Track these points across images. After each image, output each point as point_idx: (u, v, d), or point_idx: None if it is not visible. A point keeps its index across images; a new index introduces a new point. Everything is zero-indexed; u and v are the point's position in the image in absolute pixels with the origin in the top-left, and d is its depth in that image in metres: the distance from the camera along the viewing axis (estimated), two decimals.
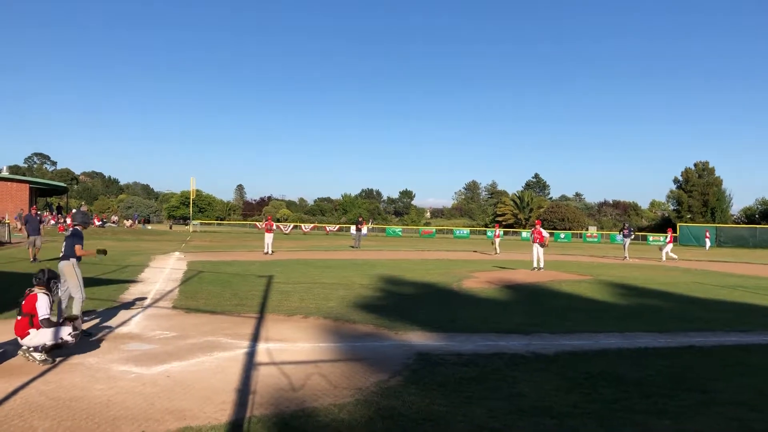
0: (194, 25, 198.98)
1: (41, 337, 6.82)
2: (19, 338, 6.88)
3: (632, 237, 32.51)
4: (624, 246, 32.00)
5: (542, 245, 22.09)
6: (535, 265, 21.87)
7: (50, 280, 7.32)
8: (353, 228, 48.16)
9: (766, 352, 8.58)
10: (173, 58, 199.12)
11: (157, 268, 19.22)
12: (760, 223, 77.17)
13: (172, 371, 6.59)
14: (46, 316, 6.95)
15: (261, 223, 29.37)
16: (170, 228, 74.77)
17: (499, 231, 37.43)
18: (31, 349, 6.80)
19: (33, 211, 23.56)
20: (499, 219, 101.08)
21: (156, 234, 54.24)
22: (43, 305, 6.98)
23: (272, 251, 28.15)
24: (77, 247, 8.74)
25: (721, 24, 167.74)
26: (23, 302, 7.03)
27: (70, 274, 8.64)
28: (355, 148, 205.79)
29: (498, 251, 33.87)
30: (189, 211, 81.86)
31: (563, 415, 5.34)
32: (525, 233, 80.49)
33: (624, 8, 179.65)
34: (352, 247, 37.03)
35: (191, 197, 78.50)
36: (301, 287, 14.54)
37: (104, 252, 9.49)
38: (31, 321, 6.88)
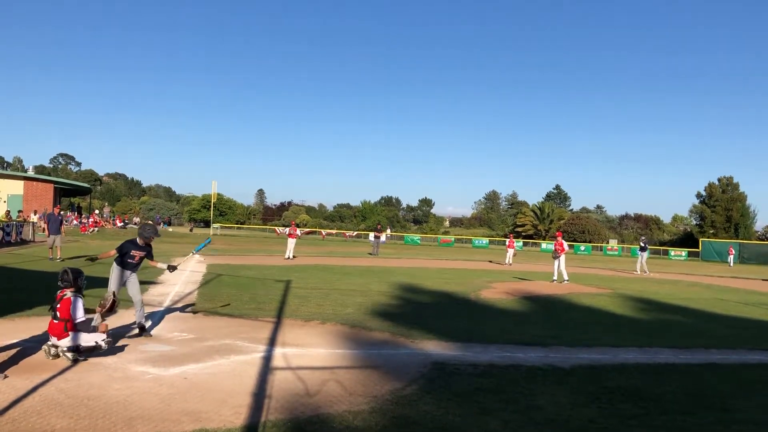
0: (218, 29, 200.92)
1: (78, 340, 6.93)
2: (55, 338, 6.97)
3: (647, 252, 32.01)
4: (639, 260, 31.38)
5: (556, 256, 21.73)
6: (555, 277, 21.53)
7: (77, 279, 7.39)
8: (372, 235, 48.14)
9: None
10: (198, 61, 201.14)
11: (177, 270, 19.32)
12: None
13: (189, 373, 6.63)
14: (83, 319, 7.04)
15: (283, 228, 29.85)
16: (191, 231, 75.28)
17: (515, 243, 36.95)
18: (65, 349, 6.89)
19: (56, 211, 23.88)
20: (519, 230, 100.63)
21: (176, 236, 54.68)
22: (79, 309, 7.06)
23: (293, 256, 28.24)
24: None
25: (745, 37, 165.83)
26: (58, 306, 7.06)
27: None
28: (376, 154, 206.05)
29: (510, 262, 33.45)
30: (210, 214, 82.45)
31: (580, 429, 5.29)
32: (545, 244, 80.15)
33: (648, 20, 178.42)
34: (371, 254, 37.02)
35: (212, 200, 79.05)
36: (318, 293, 14.57)
37: (94, 259, 9.51)
38: (66, 326, 6.93)
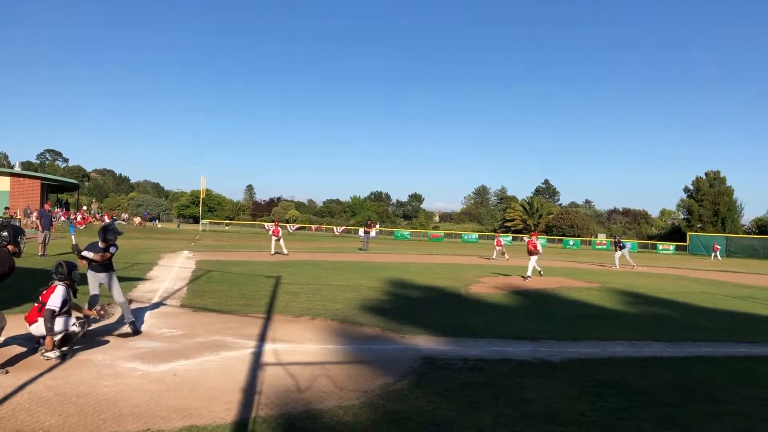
0: (208, 26, 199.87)
1: (41, 330, 6.90)
2: (27, 324, 6.97)
3: (627, 248, 32.04)
4: (616, 257, 31.49)
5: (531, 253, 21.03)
6: (529, 273, 20.65)
7: (71, 272, 7.41)
8: (361, 230, 48.13)
9: None
10: (185, 58, 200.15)
11: (166, 266, 19.28)
12: None
13: (179, 369, 6.61)
14: (54, 307, 6.95)
15: (270, 224, 29.63)
16: (178, 227, 74.93)
17: (502, 241, 37.37)
18: (43, 349, 6.88)
19: (47, 207, 23.86)
20: (508, 224, 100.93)
21: (165, 232, 54.45)
22: (57, 297, 7.03)
23: (287, 252, 28.29)
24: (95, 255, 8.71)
25: (732, 33, 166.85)
26: (44, 292, 7.11)
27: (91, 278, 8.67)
28: (365, 150, 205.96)
29: (497, 257, 33.87)
30: (199, 210, 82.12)
31: (570, 422, 5.31)
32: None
33: (636, 17, 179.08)
34: (361, 249, 37.05)
35: (201, 196, 78.77)
36: (308, 288, 14.55)
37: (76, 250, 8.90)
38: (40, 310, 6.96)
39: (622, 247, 31.57)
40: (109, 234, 8.68)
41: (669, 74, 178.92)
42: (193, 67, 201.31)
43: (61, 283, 7.25)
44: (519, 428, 5.12)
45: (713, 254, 53.52)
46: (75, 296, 7.59)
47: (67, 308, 7.20)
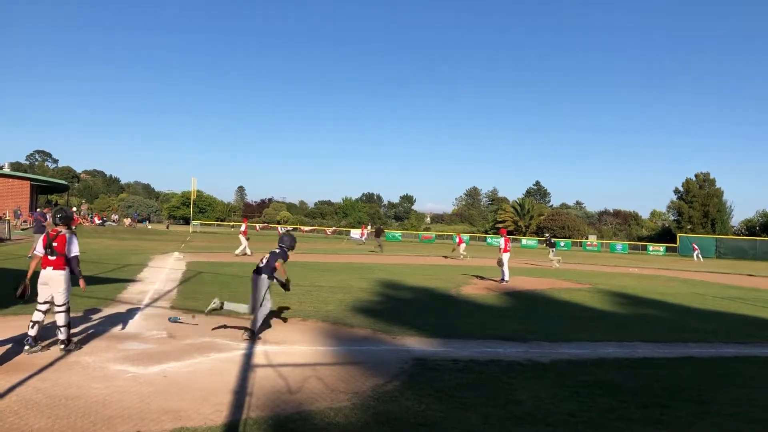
0: (197, 26, 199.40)
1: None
2: (42, 269, 7.32)
3: (552, 246, 32.19)
4: (553, 257, 31.40)
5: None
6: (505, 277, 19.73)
7: (69, 219, 7.74)
8: (353, 232, 48.20)
9: (763, 364, 8.58)
10: (176, 58, 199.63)
11: (156, 267, 19.21)
12: (760, 236, 77.22)
13: (169, 371, 6.59)
14: (77, 254, 7.50)
15: (243, 226, 28.37)
16: (167, 228, 74.65)
17: (464, 238, 38.17)
18: (29, 347, 7.06)
19: (46, 211, 23.75)
20: (499, 225, 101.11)
21: (156, 234, 54.22)
22: (74, 245, 7.50)
23: (250, 252, 26.98)
24: (278, 264, 8.89)
25: (723, 36, 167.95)
26: (54, 243, 7.34)
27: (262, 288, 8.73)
28: (357, 151, 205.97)
29: (463, 256, 34.37)
30: (189, 211, 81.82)
31: (559, 423, 5.34)
32: (525, 240, 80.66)
33: (627, 18, 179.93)
34: (373, 251, 37.58)
35: (192, 198, 78.47)
36: (299, 290, 14.51)
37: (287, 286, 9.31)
38: (64, 261, 7.39)
39: (552, 245, 31.82)
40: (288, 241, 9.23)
41: (660, 77, 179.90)
42: (184, 67, 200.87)
43: (65, 229, 7.53)
44: (509, 428, 5.13)
45: (694, 254, 54.22)
46: None
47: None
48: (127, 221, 76.78)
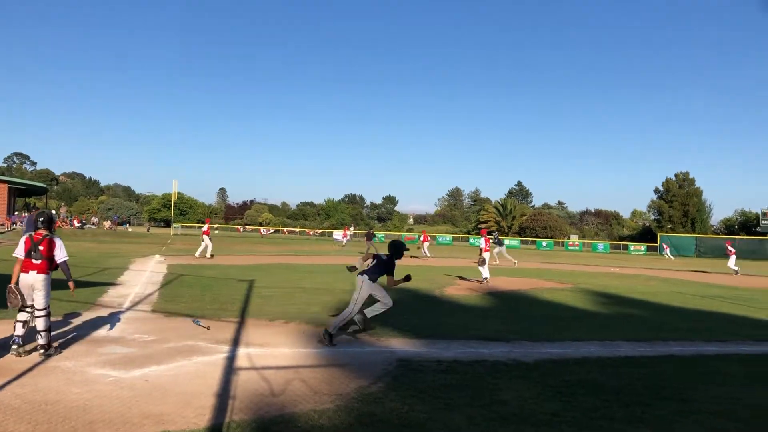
0: (175, 26, 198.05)
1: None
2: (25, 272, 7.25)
3: (500, 245, 32.09)
4: (499, 253, 31.36)
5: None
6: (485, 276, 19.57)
7: (52, 222, 7.70)
8: (336, 233, 48.15)
9: (743, 362, 8.67)
10: (156, 58, 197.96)
11: (137, 270, 19.04)
12: (739, 234, 78.27)
13: (151, 375, 6.52)
14: (66, 258, 7.55)
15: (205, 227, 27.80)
16: (148, 230, 74.08)
17: (428, 237, 39.05)
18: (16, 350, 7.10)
19: (33, 214, 23.56)
20: (482, 226, 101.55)
21: (136, 236, 53.78)
22: (62, 249, 7.52)
23: (209, 255, 26.41)
24: (389, 278, 9.05)
25: (702, 37, 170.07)
26: (40, 247, 7.31)
27: (368, 290, 8.90)
28: (340, 152, 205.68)
29: (424, 255, 34.66)
30: (170, 213, 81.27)
31: (543, 423, 5.35)
32: (508, 241, 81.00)
33: (621, 19, 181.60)
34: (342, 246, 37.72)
35: (173, 200, 77.98)
36: (282, 292, 14.47)
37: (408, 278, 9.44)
38: (51, 264, 7.42)
39: (500, 244, 31.93)
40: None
41: (641, 77, 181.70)
42: (164, 68, 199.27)
43: (51, 235, 7.50)
44: (493, 429, 5.14)
45: (664, 253, 55.06)
46: None
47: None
48: (107, 224, 76.05)
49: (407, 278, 9.29)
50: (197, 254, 26.51)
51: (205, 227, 28.09)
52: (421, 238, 37.85)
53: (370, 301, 9.07)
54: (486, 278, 19.22)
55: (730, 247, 32.40)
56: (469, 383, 6.70)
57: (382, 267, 9.05)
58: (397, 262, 9.30)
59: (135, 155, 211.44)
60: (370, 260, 9.20)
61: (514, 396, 6.22)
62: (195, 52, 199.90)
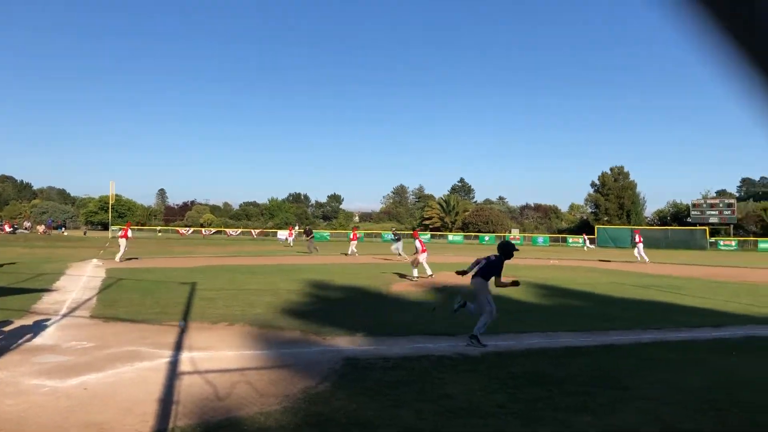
0: (107, 26, 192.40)
1: None
2: None
3: (397, 241, 32.60)
4: (395, 248, 32.03)
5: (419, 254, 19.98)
6: (428, 272, 19.91)
7: None
8: (280, 233, 47.72)
9: (677, 348, 8.98)
10: (87, 57, 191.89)
11: (74, 275, 18.42)
12: (671, 225, 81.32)
13: (89, 383, 6.31)
14: None
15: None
16: (84, 234, 71.89)
17: (357, 234, 38.74)
18: None
19: None
20: (426, 222, 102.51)
21: (72, 240, 52.06)
22: None
23: (119, 259, 25.66)
24: (496, 279, 9.19)
25: (631, 34, 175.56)
26: None
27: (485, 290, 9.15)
28: (282, 151, 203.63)
29: (352, 253, 34.75)
30: (108, 216, 78.95)
31: (489, 415, 5.43)
32: (451, 236, 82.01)
33: (552, 16, 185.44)
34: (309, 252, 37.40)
35: (110, 202, 75.74)
36: (225, 294, 14.24)
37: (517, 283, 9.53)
38: None
39: (397, 240, 32.48)
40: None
41: (578, 73, 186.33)
42: (96, 68, 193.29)
43: None
44: (441, 423, 5.18)
45: (585, 244, 57.24)
46: None
47: None
48: (41, 228, 73.31)
49: (515, 283, 9.45)
50: (117, 258, 25.78)
51: (124, 231, 27.43)
52: (351, 236, 37.63)
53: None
54: (421, 275, 19.37)
55: (638, 237, 34.03)
56: (416, 379, 6.73)
57: (492, 267, 9.20)
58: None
59: (70, 157, 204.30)
60: (418, 256, 9.40)
61: (461, 389, 6.28)
62: (126, 48, 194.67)
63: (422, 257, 19.86)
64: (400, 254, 31.42)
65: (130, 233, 27.29)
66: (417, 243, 20.55)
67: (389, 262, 28.71)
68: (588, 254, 45.32)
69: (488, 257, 9.39)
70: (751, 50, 0.71)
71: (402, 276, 20.60)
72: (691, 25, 0.75)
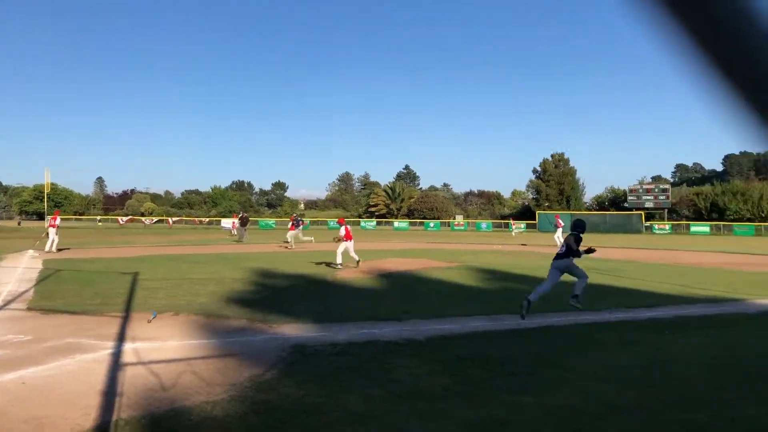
0: (48, 10, 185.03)
1: None
2: None
3: (297, 226, 32.37)
4: (296, 234, 31.69)
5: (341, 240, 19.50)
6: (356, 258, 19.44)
7: None
8: (224, 221, 46.97)
9: (613, 329, 9.30)
10: (22, 42, 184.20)
11: (9, 267, 17.79)
12: (609, 210, 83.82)
13: (28, 377, 6.14)
14: None
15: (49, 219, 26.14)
16: (19, 224, 69.30)
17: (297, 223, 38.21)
18: None
19: None
20: (372, 209, 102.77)
21: (6, 231, 50.15)
22: None
23: (56, 249, 25.15)
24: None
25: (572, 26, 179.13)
26: None
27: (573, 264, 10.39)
28: (225, 138, 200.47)
29: (290, 244, 34.04)
30: (44, 205, 76.28)
31: (436, 398, 5.54)
32: (397, 223, 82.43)
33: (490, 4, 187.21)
34: (237, 240, 36.81)
35: (46, 191, 73.13)
36: (168, 283, 14.01)
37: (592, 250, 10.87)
38: None
39: (297, 225, 32.26)
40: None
41: (516, 60, 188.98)
42: (27, 52, 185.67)
43: None
44: (388, 407, 5.26)
45: (512, 230, 59.11)
46: None
47: None
48: None
49: (591, 250, 10.81)
50: (46, 248, 24.93)
51: (52, 219, 26.45)
52: (289, 225, 37.05)
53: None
54: (340, 264, 18.76)
55: (559, 221, 34.93)
56: (363, 364, 6.79)
57: (574, 246, 10.26)
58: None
59: (1, 144, 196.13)
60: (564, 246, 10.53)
61: (408, 374, 6.38)
62: (64, 35, 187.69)
63: (349, 245, 19.18)
64: (287, 241, 31.02)
65: (58, 221, 26.32)
66: (342, 230, 19.88)
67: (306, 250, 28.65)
68: (514, 239, 46.74)
69: (566, 241, 10.47)
70: (706, 41, 0.71)
71: (327, 264, 20.20)
72: (637, 14, 0.73)
